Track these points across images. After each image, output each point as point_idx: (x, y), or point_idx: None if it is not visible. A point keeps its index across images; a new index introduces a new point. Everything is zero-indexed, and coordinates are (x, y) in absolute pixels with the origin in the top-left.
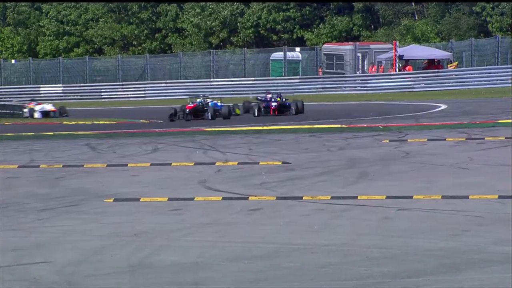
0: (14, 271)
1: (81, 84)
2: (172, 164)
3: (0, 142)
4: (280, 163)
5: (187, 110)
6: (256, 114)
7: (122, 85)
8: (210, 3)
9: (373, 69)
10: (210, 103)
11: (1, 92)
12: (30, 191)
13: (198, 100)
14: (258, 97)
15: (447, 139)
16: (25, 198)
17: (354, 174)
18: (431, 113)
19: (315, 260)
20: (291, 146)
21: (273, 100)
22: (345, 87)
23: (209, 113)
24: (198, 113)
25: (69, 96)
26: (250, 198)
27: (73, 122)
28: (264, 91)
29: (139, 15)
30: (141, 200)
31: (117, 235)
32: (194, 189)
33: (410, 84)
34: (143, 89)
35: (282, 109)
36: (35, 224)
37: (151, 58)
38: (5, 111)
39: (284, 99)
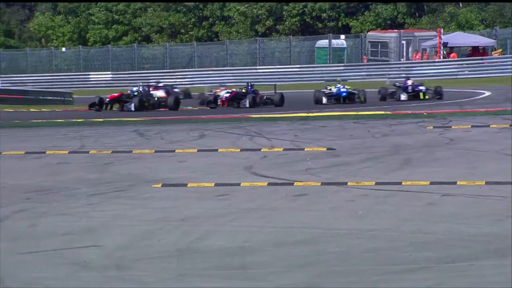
0: (64, 254)
1: (130, 72)
2: (219, 150)
3: (51, 128)
4: (325, 149)
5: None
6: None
7: (170, 72)
8: None
9: (417, 56)
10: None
11: (52, 79)
12: (80, 177)
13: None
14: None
15: (491, 126)
16: (75, 183)
17: (398, 161)
18: (475, 100)
19: (359, 245)
20: (336, 132)
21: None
22: (389, 75)
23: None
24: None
25: (117, 83)
26: (295, 183)
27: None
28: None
29: (186, 3)
30: (188, 185)
31: (164, 220)
32: (240, 174)
33: (454, 71)
34: (190, 76)
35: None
36: (85, 209)
37: (198, 46)
38: (55, 97)
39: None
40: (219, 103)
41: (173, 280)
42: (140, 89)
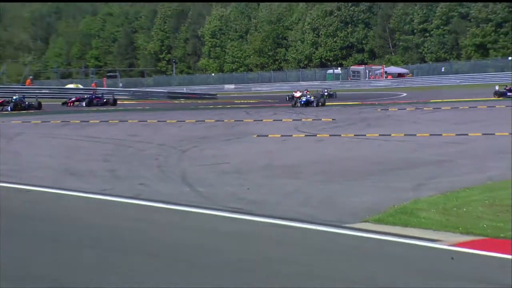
0: (218, 167)
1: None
2: (283, 120)
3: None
4: (331, 120)
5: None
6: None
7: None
8: None
9: (372, 77)
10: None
11: (205, 88)
12: (218, 131)
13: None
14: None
15: (407, 109)
16: (218, 135)
17: (365, 125)
18: (400, 97)
19: (351, 165)
20: (336, 112)
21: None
22: (359, 86)
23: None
24: None
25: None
26: (317, 135)
27: None
28: None
29: None
30: (269, 135)
31: (260, 150)
32: (291, 131)
33: (390, 84)
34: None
35: None
36: (223, 145)
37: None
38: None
39: None
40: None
41: (275, 182)
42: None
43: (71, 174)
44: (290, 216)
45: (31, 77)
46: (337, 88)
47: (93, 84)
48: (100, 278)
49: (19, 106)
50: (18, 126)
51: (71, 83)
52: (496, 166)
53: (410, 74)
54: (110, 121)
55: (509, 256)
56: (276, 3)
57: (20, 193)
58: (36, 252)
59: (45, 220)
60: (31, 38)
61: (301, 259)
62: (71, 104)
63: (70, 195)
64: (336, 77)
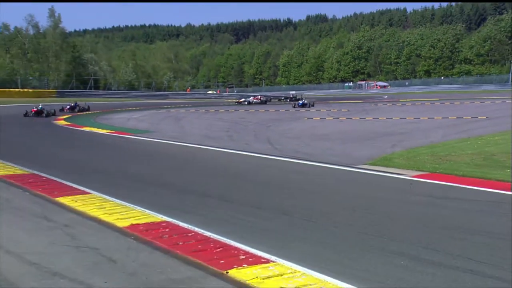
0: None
1: None
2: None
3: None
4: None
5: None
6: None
7: None
8: None
9: (369, 87)
10: None
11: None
12: (275, 116)
13: None
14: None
15: (378, 104)
16: (273, 120)
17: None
18: (381, 98)
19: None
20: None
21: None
22: (360, 93)
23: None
24: None
25: None
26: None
27: None
28: None
29: None
30: (313, 118)
31: (312, 126)
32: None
33: (381, 92)
34: None
35: None
36: (283, 125)
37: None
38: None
39: None
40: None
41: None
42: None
43: (209, 138)
44: (325, 161)
45: (189, 87)
46: (349, 93)
47: (217, 91)
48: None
49: None
50: (183, 113)
51: (210, 90)
52: (435, 135)
53: (389, 86)
54: (230, 111)
55: (440, 182)
56: (318, 49)
57: (182, 147)
58: (204, 179)
59: (200, 161)
60: (190, 67)
61: (330, 183)
62: None
63: (209, 149)
64: (349, 87)
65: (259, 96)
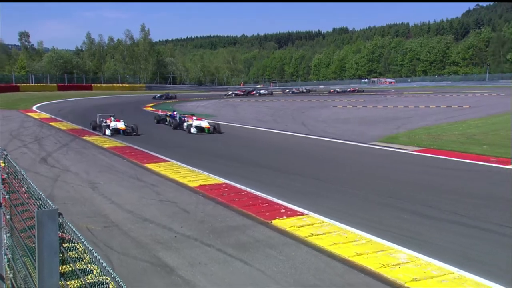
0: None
1: None
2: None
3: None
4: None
5: None
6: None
7: None
8: None
9: (379, 82)
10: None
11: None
12: (301, 106)
13: None
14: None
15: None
16: (293, 110)
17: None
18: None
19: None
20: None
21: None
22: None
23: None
24: None
25: None
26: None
27: None
28: None
29: None
30: (333, 107)
31: (335, 112)
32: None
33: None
34: None
35: None
36: (307, 112)
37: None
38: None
39: None
40: None
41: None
42: None
43: (258, 120)
44: (346, 138)
45: (243, 82)
46: (365, 87)
47: (241, 84)
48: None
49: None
50: (239, 102)
51: (258, 84)
52: (430, 119)
53: (395, 82)
54: (273, 100)
55: (435, 156)
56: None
57: (241, 128)
58: (255, 153)
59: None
60: (243, 67)
61: (350, 156)
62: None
63: (257, 129)
64: (364, 83)
65: (300, 88)
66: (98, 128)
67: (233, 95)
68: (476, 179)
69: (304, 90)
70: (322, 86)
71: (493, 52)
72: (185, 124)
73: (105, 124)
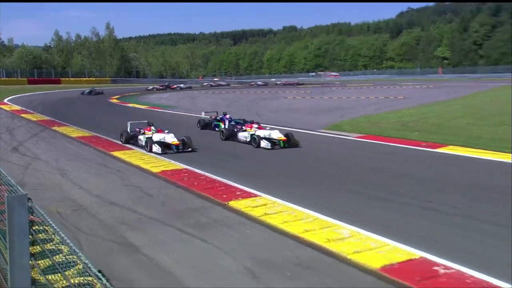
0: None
1: None
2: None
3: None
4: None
5: None
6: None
7: None
8: None
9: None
10: None
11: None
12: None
13: None
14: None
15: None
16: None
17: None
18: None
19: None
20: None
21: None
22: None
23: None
24: None
25: None
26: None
27: None
28: None
29: None
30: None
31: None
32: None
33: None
34: None
35: None
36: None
37: None
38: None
39: None
40: None
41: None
42: None
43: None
44: (299, 127)
45: (201, 75)
46: (311, 79)
47: (200, 77)
48: None
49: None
50: (197, 93)
51: (216, 78)
52: (370, 109)
53: (339, 75)
54: (228, 92)
55: (376, 141)
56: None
57: (193, 117)
58: (210, 139)
59: None
60: (202, 62)
61: (302, 142)
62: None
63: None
64: (312, 76)
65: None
66: (131, 141)
67: (155, 89)
68: (411, 162)
69: (262, 84)
70: (273, 79)
71: (423, 49)
72: (245, 134)
73: (146, 136)
